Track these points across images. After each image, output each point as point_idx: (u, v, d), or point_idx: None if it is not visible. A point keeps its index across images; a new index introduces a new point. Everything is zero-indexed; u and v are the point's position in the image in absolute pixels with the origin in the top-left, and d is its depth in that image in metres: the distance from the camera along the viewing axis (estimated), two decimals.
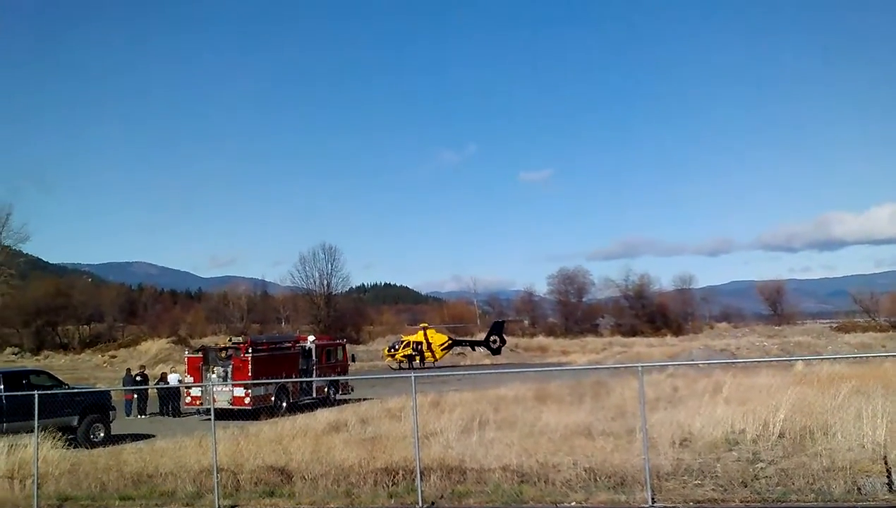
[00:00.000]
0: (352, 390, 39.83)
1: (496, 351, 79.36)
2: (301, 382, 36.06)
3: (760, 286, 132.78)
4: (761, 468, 13.43)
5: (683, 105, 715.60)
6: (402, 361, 71.57)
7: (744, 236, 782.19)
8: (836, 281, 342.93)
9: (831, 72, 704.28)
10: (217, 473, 14.35)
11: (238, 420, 26.97)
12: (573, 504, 12.42)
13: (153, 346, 79.72)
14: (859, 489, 11.76)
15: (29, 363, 69.75)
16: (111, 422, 27.25)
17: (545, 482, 13.30)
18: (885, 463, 12.52)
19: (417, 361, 71.90)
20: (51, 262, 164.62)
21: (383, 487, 14.00)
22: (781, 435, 16.00)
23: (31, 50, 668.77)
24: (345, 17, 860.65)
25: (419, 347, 73.32)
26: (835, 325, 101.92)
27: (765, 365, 33.48)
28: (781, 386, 22.22)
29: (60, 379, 28.19)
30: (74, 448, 21.44)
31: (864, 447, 13.66)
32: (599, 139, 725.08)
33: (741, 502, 11.82)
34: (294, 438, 18.35)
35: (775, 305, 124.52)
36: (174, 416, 35.71)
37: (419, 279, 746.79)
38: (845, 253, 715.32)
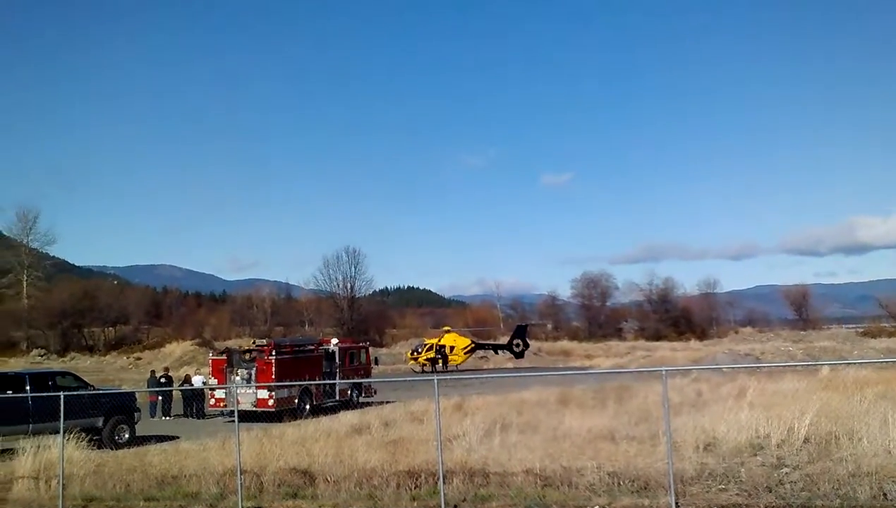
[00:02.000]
0: (375, 393, 39.90)
1: (519, 355, 79.32)
2: (324, 385, 36.16)
3: (786, 290, 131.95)
4: (786, 473, 13.33)
5: (708, 106, 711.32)
6: (425, 364, 71.71)
7: (769, 240, 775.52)
8: (863, 286, 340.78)
9: (859, 73, 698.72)
10: (241, 475, 14.41)
11: (262, 422, 27.07)
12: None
13: (178, 348, 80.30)
14: (885, 494, 11.65)
15: (55, 364, 70.38)
16: (136, 424, 27.41)
17: (568, 485, 13.26)
18: None
19: (440, 364, 72.00)
20: (77, 265, 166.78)
21: (406, 490, 14.00)
22: (806, 440, 15.88)
23: (54, 53, 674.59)
24: (367, 19, 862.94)
25: (442, 350, 73.41)
26: (861, 330, 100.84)
27: (790, 369, 33.28)
28: (807, 391, 22.11)
29: (86, 380, 28.37)
30: (99, 449, 21.62)
31: (890, 452, 13.54)
32: (621, 141, 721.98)
33: (765, 507, 11.75)
34: (317, 440, 18.38)
35: (801, 310, 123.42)
36: (198, 418, 35.88)
37: (442, 282, 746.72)
38: (872, 257, 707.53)
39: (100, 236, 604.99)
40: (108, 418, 26.05)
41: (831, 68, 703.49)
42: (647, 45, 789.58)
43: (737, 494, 12.36)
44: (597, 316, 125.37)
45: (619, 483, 13.12)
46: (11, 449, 19.70)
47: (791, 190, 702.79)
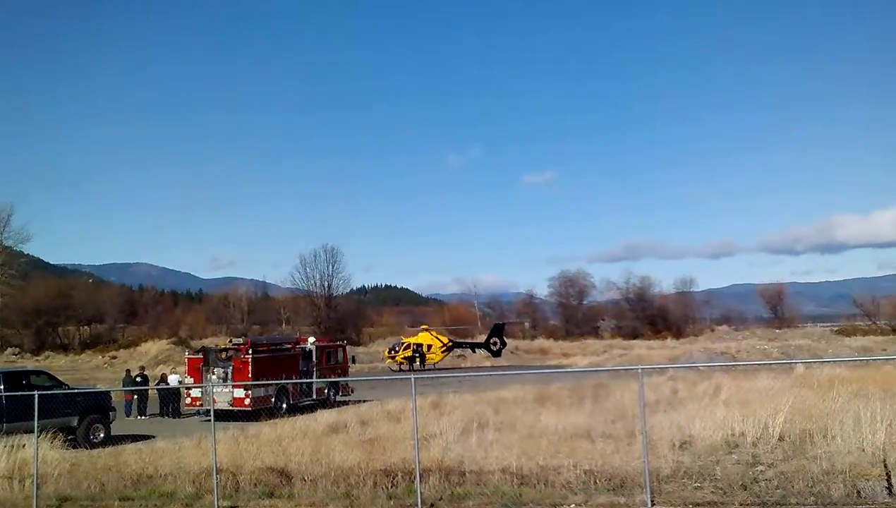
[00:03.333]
0: (352, 391, 39.83)
1: (496, 354, 79.40)
2: (301, 383, 36.09)
3: (761, 289, 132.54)
4: (761, 471, 13.42)
5: (686, 106, 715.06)
6: (403, 363, 71.64)
7: (746, 239, 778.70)
8: (838, 285, 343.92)
9: (836, 74, 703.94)
10: (217, 474, 14.35)
11: (238, 421, 26.97)
12: (573, 506, 12.40)
13: (153, 347, 79.96)
14: (859, 492, 11.75)
15: (29, 363, 69.88)
16: (111, 423, 27.25)
17: (545, 484, 13.30)
18: (885, 467, 12.51)
19: (418, 363, 71.97)
20: (52, 263, 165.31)
21: (383, 488, 13.99)
22: (781, 438, 16.01)
23: (32, 50, 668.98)
24: (348, 18, 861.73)
25: (419, 349, 73.37)
26: (836, 329, 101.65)
27: (765, 367, 33.46)
28: (781, 389, 22.27)
29: (60, 379, 28.19)
30: (74, 448, 21.51)
31: (863, 450, 13.66)
32: (602, 141, 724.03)
33: (740, 505, 11.80)
34: (294, 439, 18.35)
35: (776, 308, 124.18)
36: (174, 417, 35.74)
37: (420, 281, 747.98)
38: (848, 256, 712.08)
39: (75, 234, 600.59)
40: (83, 417, 25.90)
41: (810, 69, 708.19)
42: (628, 46, 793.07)
43: (712, 492, 12.43)
44: (574, 315, 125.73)
45: (595, 482, 13.16)
46: None
47: (769, 189, 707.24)
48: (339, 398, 38.42)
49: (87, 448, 22.79)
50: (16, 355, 79.91)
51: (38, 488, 15.40)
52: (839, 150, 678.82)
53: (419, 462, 13.34)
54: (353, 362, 46.75)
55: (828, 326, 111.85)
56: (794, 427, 16.31)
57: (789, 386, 24.12)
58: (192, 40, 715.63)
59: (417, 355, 72.71)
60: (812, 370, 31.29)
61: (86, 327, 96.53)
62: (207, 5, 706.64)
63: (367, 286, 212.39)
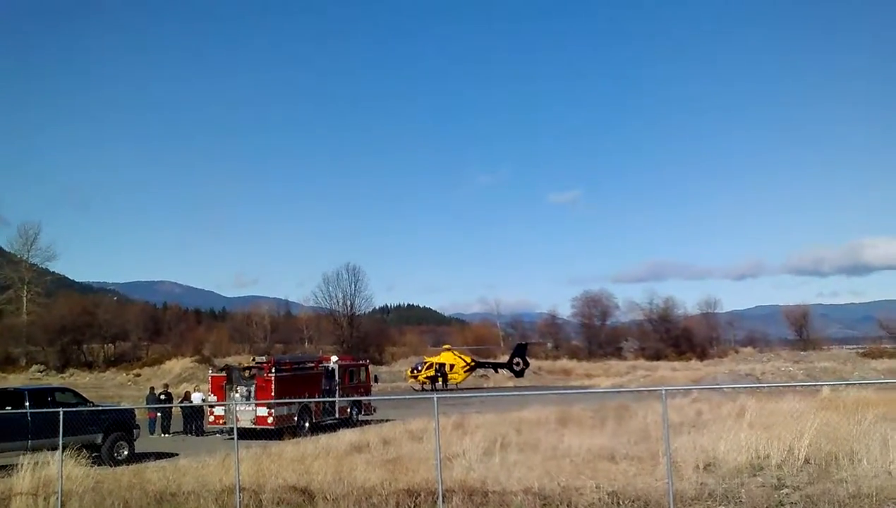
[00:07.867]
0: (374, 411, 39.86)
1: (519, 374, 79.19)
2: (324, 402, 36.09)
3: (786, 311, 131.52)
4: (786, 494, 13.31)
5: (714, 125, 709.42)
6: (425, 382, 71.56)
7: (772, 260, 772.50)
8: (864, 307, 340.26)
9: (866, 92, 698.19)
10: (239, 492, 14.40)
11: (261, 439, 27.05)
12: None
13: (177, 365, 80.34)
14: None
15: (54, 381, 70.30)
16: (135, 440, 27.36)
17: (567, 505, 13.24)
18: None
19: (440, 383, 71.87)
20: (77, 281, 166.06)
21: None
22: (807, 461, 15.88)
23: (56, 72, 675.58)
24: (374, 38, 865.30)
25: (442, 369, 73.26)
26: (861, 351, 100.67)
27: (790, 390, 33.22)
28: (807, 412, 22.08)
29: (85, 396, 28.35)
30: (98, 465, 21.55)
31: (890, 474, 13.55)
32: (627, 160, 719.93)
33: None
34: (316, 458, 18.38)
35: (801, 330, 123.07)
36: (197, 435, 35.84)
37: (443, 300, 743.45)
38: (875, 278, 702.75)
39: (100, 252, 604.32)
40: (108, 434, 25.98)
41: (837, 87, 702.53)
42: (654, 64, 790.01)
43: None
44: (597, 336, 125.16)
45: (618, 503, 13.09)
46: (10, 466, 19.65)
47: (795, 210, 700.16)
48: (361, 417, 38.42)
49: (111, 466, 22.84)
50: (41, 372, 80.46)
51: (62, 505, 15.53)
52: (867, 171, 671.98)
53: (442, 483, 13.33)
54: (376, 381, 46.74)
55: (854, 349, 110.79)
56: (819, 450, 16.19)
57: (815, 408, 23.93)
58: (215, 57, 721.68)
59: (440, 375, 72.59)
60: (838, 392, 31.08)
61: (110, 345, 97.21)
62: (235, 23, 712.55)
63: (389, 305, 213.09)
